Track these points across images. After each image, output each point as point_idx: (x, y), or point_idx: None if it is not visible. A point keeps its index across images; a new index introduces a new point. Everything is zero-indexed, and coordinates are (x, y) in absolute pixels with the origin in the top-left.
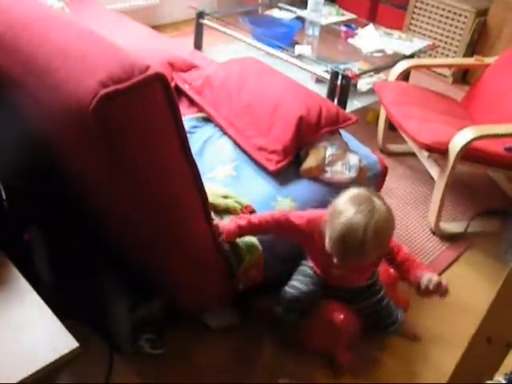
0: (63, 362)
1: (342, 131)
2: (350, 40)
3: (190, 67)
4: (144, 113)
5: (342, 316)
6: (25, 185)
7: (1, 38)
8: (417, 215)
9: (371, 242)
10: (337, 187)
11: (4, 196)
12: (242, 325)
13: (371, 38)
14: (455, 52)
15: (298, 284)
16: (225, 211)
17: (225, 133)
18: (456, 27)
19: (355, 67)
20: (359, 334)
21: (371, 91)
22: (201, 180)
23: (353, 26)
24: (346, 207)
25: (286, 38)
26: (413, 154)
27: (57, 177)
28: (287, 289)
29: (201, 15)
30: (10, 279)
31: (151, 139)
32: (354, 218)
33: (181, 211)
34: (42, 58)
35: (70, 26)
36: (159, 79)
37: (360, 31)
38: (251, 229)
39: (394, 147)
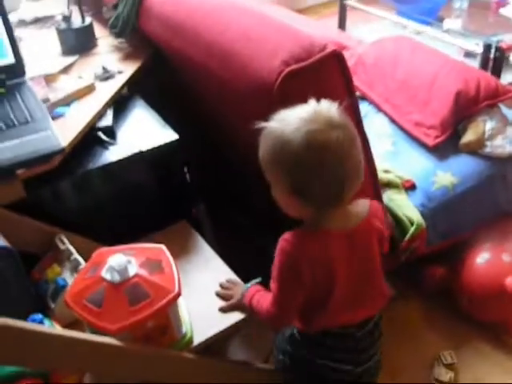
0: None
1: (501, 105)
2: (501, 10)
3: (340, 48)
4: (323, 88)
5: None
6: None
7: (182, 25)
8: None
9: None
10: (497, 162)
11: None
12: (398, 297)
13: None
14: None
15: None
16: (386, 185)
17: (380, 110)
18: None
19: (508, 39)
20: None
21: None
22: (371, 153)
23: None
24: None
25: (431, 13)
26: None
27: (223, 155)
28: None
29: None
30: (198, 247)
31: None
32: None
33: None
34: (225, 43)
35: (248, 12)
36: (337, 56)
37: None
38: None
39: None
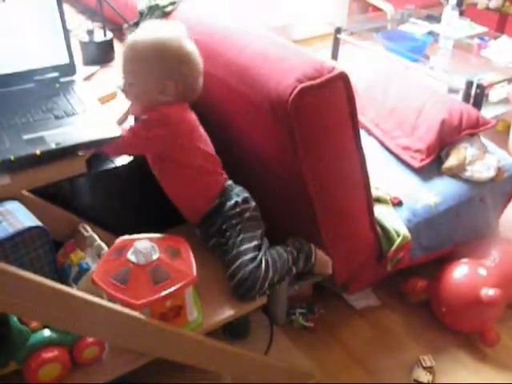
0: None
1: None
2: (482, 52)
3: None
4: (330, 104)
5: (491, 292)
6: None
7: (204, 46)
8: None
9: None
10: (476, 185)
11: None
12: (382, 307)
13: (505, 49)
14: None
15: None
16: (376, 200)
17: (370, 134)
18: None
19: (488, 78)
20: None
21: (502, 102)
22: (366, 166)
23: (486, 38)
24: None
25: (418, 51)
26: None
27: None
28: None
29: (338, 31)
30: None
31: (333, 127)
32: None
33: (349, 192)
34: (244, 61)
35: (263, 36)
36: (343, 77)
37: (493, 43)
38: None
39: None
